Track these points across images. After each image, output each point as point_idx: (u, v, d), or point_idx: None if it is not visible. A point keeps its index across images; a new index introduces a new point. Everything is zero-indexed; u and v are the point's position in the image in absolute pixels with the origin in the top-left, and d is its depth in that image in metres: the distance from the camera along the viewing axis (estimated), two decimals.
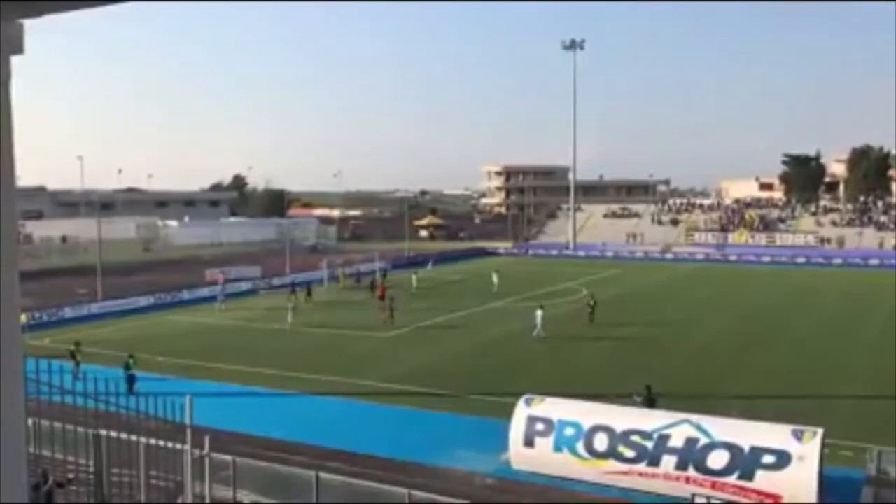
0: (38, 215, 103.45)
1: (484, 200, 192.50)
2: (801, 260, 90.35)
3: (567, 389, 28.58)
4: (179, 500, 13.52)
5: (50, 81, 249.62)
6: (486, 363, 37.85)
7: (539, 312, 42.39)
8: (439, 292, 63.19)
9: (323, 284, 64.97)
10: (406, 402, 30.89)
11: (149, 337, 47.08)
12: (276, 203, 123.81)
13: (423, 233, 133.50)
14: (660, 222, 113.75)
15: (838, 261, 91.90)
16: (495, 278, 62.24)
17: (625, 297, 58.70)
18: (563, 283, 68.39)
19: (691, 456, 21.66)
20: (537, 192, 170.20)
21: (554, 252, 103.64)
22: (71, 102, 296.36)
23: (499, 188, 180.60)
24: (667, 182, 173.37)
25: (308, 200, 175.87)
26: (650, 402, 26.43)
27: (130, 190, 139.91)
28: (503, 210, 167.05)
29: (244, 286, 65.25)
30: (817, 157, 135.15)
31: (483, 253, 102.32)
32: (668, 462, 21.91)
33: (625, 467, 22.47)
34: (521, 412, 24.09)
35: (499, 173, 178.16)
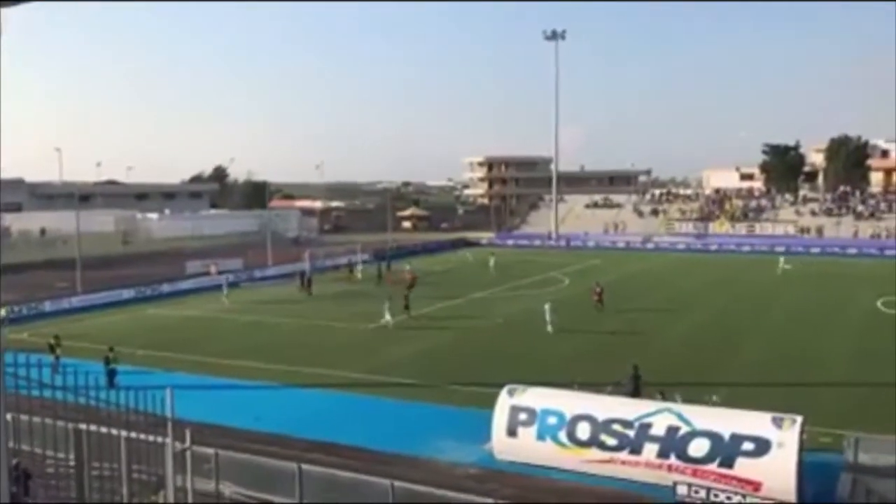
0: (17, 208, 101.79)
1: (467, 191, 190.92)
2: (780, 249, 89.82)
3: (549, 378, 28.54)
4: (161, 494, 13.45)
5: (27, 72, 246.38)
6: (475, 353, 37.47)
7: (547, 307, 41.90)
8: (424, 282, 61.93)
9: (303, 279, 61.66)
10: (392, 394, 30.62)
11: (131, 330, 46.09)
12: (258, 195, 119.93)
13: (406, 224, 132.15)
14: (640, 213, 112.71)
15: (816, 250, 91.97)
16: (492, 262, 64.73)
17: (609, 285, 56.65)
18: (547, 271, 68.39)
19: (673, 444, 21.69)
20: (520, 182, 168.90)
21: (537, 242, 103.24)
22: (48, 93, 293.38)
23: (481, 179, 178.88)
24: (648, 172, 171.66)
25: (290, 192, 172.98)
26: (636, 381, 26.71)
27: (110, 183, 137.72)
28: (486, 201, 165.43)
29: (230, 279, 62.54)
30: (796, 147, 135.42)
31: (465, 243, 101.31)
32: (650, 450, 21.94)
33: (607, 455, 22.48)
34: (504, 402, 24.03)
35: (481, 164, 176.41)
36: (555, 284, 59.83)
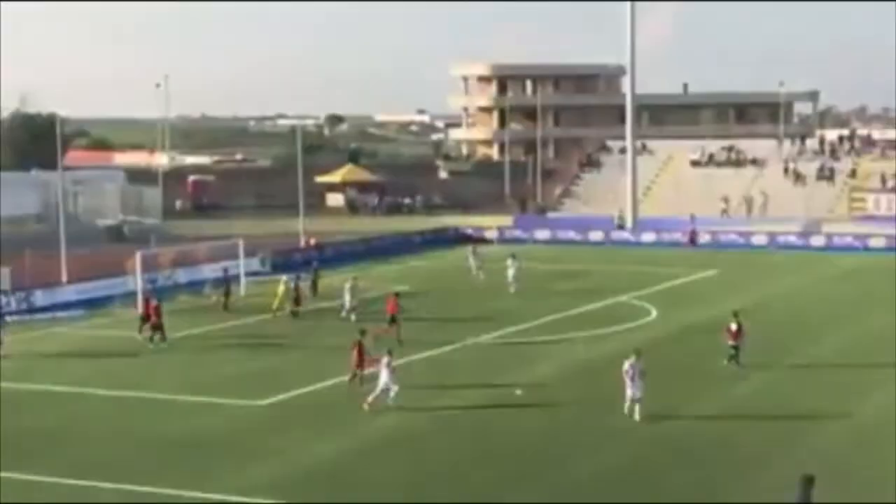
0: None
1: (455, 135, 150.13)
2: None
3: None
4: None
5: None
6: (467, 458, 27.28)
7: (629, 364, 31.38)
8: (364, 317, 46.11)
9: (136, 307, 46.24)
10: None
11: None
12: (41, 142, 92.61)
13: (335, 199, 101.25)
14: (798, 176, 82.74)
15: None
16: (511, 271, 51.61)
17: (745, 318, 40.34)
18: (615, 293, 53.63)
19: None
20: (561, 116, 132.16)
21: (594, 237, 76.20)
22: None
23: (485, 109, 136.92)
24: (814, 97, 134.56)
25: (104, 137, 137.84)
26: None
27: None
28: (494, 153, 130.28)
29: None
30: None
31: (457, 238, 77.05)
32: None
33: None
34: None
35: (484, 79, 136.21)
36: (631, 319, 47.48)
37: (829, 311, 49.10)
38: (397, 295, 43.44)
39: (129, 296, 49.17)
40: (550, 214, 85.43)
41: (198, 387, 34.92)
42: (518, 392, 29.30)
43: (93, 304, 51.54)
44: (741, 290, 53.92)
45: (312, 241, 68.71)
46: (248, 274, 55.37)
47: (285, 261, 61.65)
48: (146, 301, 43.43)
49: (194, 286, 55.66)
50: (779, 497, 23.00)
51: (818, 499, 18.87)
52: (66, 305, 51.56)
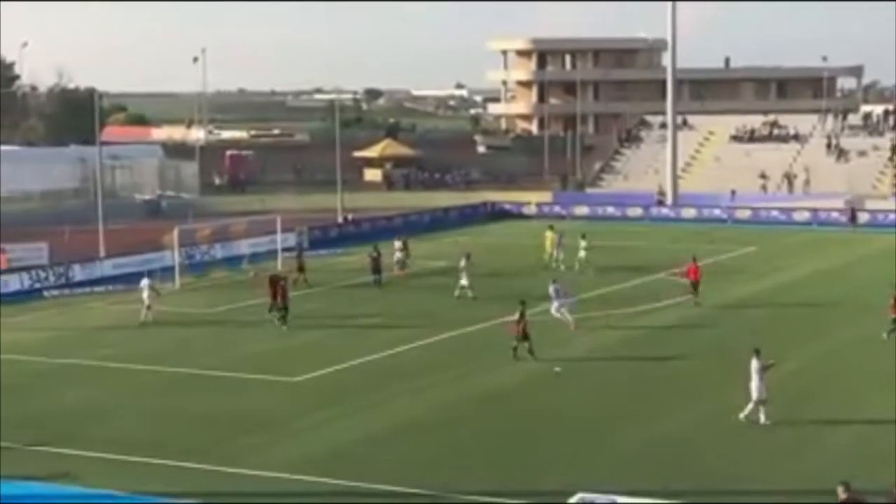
0: None
1: (493, 109, 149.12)
2: None
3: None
4: None
5: None
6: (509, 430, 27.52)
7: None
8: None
9: (174, 282, 48.65)
10: None
11: None
12: (77, 116, 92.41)
13: (373, 174, 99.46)
14: (842, 152, 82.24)
15: None
16: (582, 252, 51.31)
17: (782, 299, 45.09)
18: (655, 270, 53.20)
19: None
20: (601, 91, 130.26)
21: (633, 213, 76.31)
22: None
23: (524, 83, 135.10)
24: (857, 72, 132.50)
25: (140, 111, 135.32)
26: None
27: None
28: (532, 128, 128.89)
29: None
30: None
31: (493, 213, 77.89)
32: None
33: None
34: None
35: (524, 54, 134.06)
36: (670, 295, 46.45)
37: (874, 291, 48.05)
38: (695, 260, 45.29)
39: (167, 270, 49.51)
40: (589, 190, 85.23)
41: (233, 363, 34.89)
42: (557, 370, 29.40)
43: (130, 279, 51.88)
44: (782, 267, 53.87)
45: (350, 217, 68.46)
46: (284, 250, 54.98)
47: (323, 236, 61.69)
48: (273, 281, 43.00)
49: (231, 262, 55.59)
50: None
51: None
52: (104, 280, 51.83)
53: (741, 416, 26.18)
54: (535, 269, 52.67)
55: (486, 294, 44.72)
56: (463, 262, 46.18)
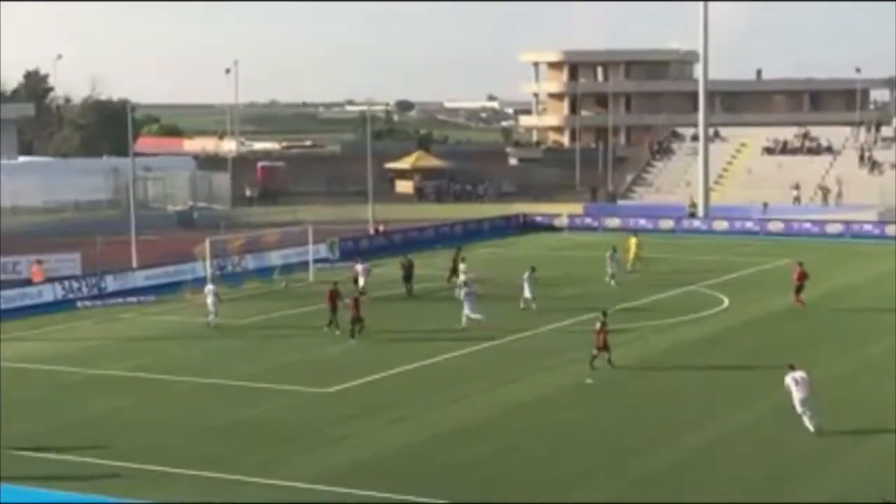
0: None
1: (525, 121, 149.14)
2: None
3: None
4: None
5: None
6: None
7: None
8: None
9: (217, 299, 44.33)
10: None
11: None
12: (111, 127, 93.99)
13: (404, 185, 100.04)
14: (875, 164, 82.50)
15: None
16: (610, 267, 51.39)
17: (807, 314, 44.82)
18: (687, 282, 53.05)
19: None
20: (633, 102, 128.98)
21: (665, 225, 76.33)
22: None
23: (556, 95, 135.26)
24: (891, 84, 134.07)
25: (173, 123, 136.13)
26: None
27: None
28: (564, 140, 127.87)
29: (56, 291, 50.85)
30: None
31: (524, 225, 78.61)
32: None
33: None
34: None
35: (555, 65, 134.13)
36: (703, 307, 47.35)
37: None
38: (801, 264, 47.39)
39: (198, 281, 48.92)
40: (621, 202, 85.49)
41: (266, 373, 34.90)
42: (588, 381, 29.27)
43: (162, 290, 51.78)
44: (815, 280, 53.71)
45: (381, 228, 68.59)
46: (316, 261, 55.33)
47: (354, 247, 61.40)
48: (331, 293, 43.10)
49: (262, 272, 55.53)
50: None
51: None
52: (136, 291, 52.00)
53: (811, 429, 25.73)
54: (575, 280, 52.89)
55: (543, 305, 44.59)
56: (526, 275, 46.49)
